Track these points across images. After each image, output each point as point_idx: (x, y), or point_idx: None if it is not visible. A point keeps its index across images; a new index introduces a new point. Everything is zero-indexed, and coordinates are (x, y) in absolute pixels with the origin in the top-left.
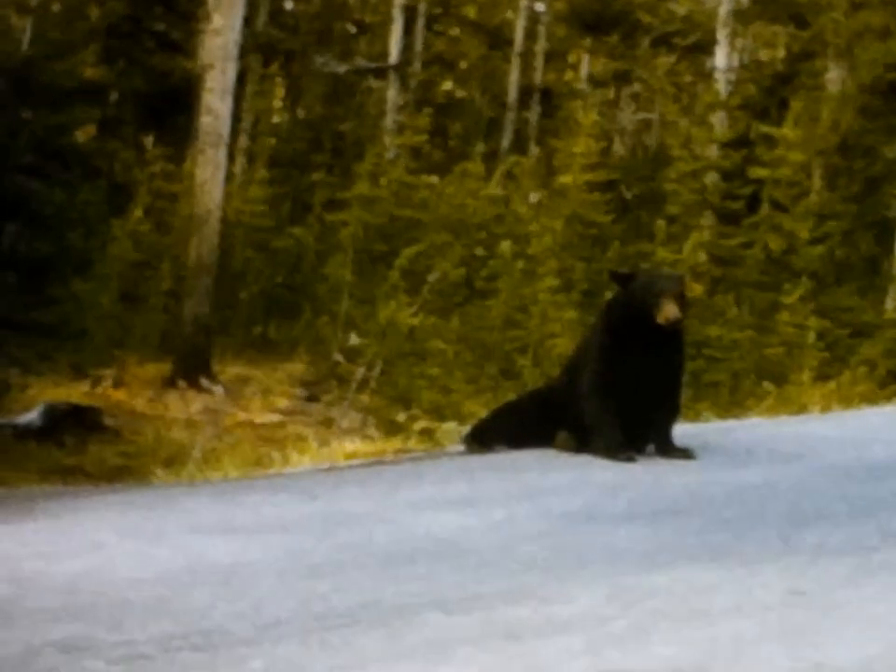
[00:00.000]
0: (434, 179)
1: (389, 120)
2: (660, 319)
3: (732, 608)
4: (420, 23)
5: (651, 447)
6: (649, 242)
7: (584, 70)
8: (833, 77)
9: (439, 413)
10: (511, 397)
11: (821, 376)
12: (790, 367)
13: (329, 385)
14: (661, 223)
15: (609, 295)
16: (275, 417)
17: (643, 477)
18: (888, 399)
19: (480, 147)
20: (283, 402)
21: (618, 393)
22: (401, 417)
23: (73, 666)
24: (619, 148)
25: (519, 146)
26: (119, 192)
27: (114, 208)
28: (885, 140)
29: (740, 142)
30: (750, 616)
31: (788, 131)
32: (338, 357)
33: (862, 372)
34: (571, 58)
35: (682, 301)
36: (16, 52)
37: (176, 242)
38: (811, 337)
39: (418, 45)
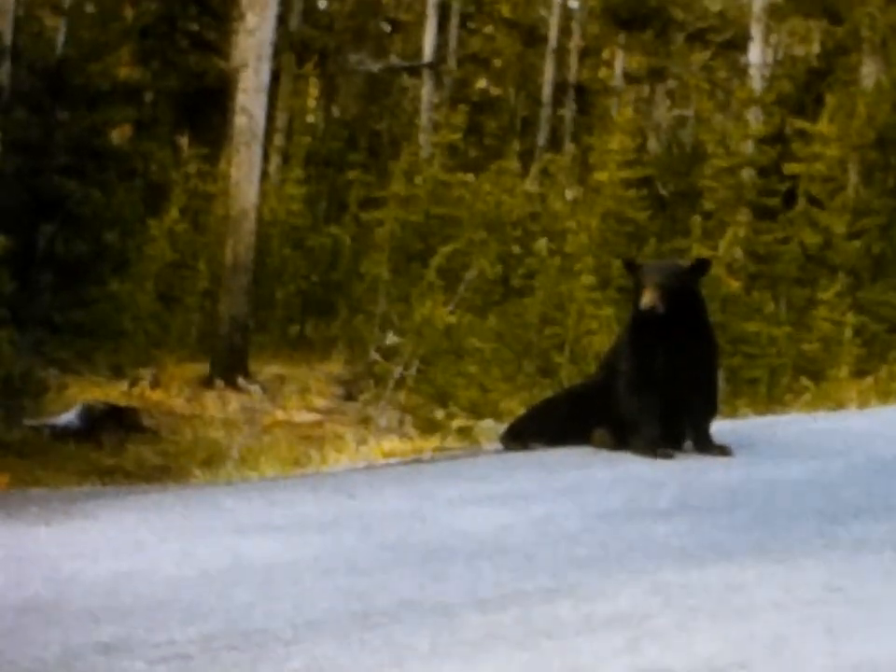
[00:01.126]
0: (470, 177)
1: (424, 118)
2: (641, 308)
3: (771, 604)
4: (454, 21)
5: (688, 444)
6: (685, 238)
7: (619, 67)
8: (869, 71)
9: (476, 411)
10: (549, 394)
11: (859, 372)
12: (827, 363)
13: (366, 383)
14: (697, 219)
15: None
16: (313, 416)
17: (681, 474)
18: None
19: (515, 145)
20: (320, 401)
21: (653, 389)
22: (439, 415)
23: (113, 667)
24: (654, 145)
25: (554, 143)
26: (155, 192)
27: (150, 208)
28: None
29: (775, 138)
30: (790, 612)
31: (823, 126)
32: (375, 355)
33: None
34: (606, 55)
35: (663, 290)
36: (51, 53)
37: (213, 241)
38: (848, 333)
39: (452, 43)
